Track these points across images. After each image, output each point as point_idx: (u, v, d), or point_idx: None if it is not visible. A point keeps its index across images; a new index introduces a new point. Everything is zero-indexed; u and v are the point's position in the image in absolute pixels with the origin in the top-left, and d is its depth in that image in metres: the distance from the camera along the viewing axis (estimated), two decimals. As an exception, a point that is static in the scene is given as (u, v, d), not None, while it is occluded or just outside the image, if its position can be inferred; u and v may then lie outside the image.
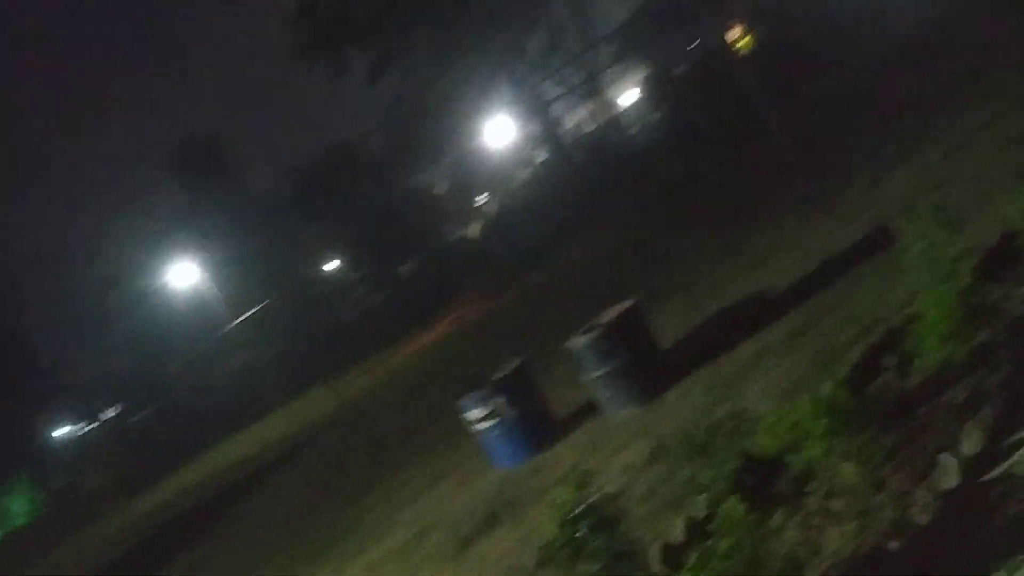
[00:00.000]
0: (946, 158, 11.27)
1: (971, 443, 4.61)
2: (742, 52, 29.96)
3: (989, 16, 15.02)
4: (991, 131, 11.00)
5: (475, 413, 9.74)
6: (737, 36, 32.13)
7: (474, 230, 41.44)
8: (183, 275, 36.14)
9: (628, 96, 38.40)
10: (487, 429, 9.71)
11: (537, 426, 9.73)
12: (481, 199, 45.30)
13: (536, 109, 36.61)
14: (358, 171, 40.88)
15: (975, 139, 11.16)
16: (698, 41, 34.30)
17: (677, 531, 5.31)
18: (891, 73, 18.08)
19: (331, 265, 43.33)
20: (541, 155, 39.13)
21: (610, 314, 9.30)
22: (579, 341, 9.18)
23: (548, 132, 37.01)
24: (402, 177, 40.64)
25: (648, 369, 9.07)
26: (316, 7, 34.94)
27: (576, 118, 40.49)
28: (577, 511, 4.56)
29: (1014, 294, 5.59)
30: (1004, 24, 13.99)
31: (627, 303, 9.44)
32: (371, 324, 35.68)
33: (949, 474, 4.57)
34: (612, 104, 39.15)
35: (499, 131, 36.51)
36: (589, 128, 39.27)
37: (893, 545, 4.37)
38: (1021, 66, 12.54)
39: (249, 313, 38.12)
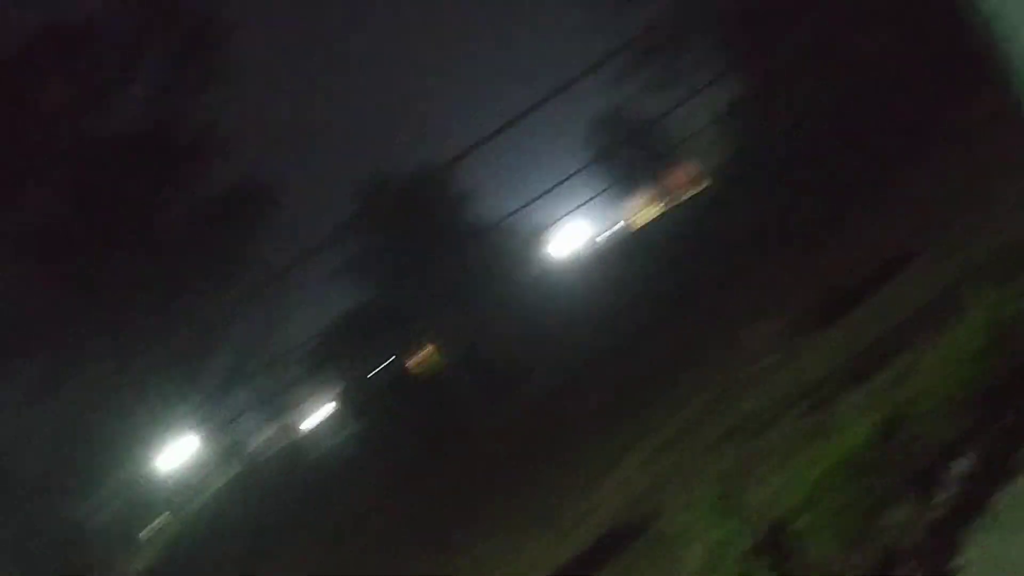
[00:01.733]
0: (649, 464, 11.40)
1: None
2: (432, 369, 30.89)
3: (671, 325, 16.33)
4: (689, 437, 11.35)
5: None
6: (425, 354, 33.18)
7: (145, 561, 36.95)
8: None
9: (321, 412, 37.76)
10: None
11: None
12: (153, 525, 40.96)
13: (218, 425, 34.71)
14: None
15: (675, 444, 11.43)
16: (391, 358, 35.04)
17: None
18: (583, 384, 18.95)
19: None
20: (226, 474, 36.60)
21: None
22: None
23: (232, 450, 34.95)
24: (48, 503, 35.92)
25: None
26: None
27: (265, 435, 38.82)
28: None
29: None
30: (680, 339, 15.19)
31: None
32: None
33: None
34: (302, 421, 38.18)
35: (177, 450, 33.91)
36: (279, 445, 37.70)
37: None
38: (703, 376, 13.47)
39: None
